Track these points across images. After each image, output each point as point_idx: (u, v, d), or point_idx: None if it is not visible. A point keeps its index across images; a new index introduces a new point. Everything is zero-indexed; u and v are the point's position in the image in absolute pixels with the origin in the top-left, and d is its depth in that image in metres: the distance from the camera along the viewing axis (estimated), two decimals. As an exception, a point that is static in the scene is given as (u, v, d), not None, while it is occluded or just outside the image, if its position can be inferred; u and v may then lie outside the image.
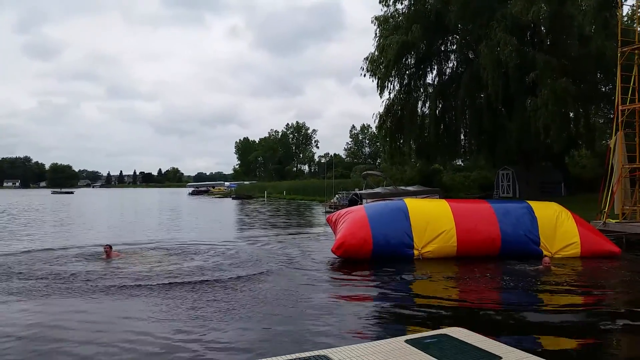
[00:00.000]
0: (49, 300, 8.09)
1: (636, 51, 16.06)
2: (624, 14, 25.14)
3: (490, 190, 36.29)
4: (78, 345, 5.86)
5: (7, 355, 5.56)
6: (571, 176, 34.13)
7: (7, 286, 8.94)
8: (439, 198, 23.79)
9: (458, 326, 3.91)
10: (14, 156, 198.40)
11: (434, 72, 34.76)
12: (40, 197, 78.41)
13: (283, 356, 3.11)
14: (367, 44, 63.16)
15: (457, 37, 32.74)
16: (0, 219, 28.79)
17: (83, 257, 12.41)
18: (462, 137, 35.43)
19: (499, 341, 3.49)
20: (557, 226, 12.29)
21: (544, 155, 30.70)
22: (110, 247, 12.38)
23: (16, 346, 5.86)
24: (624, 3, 20.78)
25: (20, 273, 10.25)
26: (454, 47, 33.94)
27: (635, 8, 18.32)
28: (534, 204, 12.97)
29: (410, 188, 32.01)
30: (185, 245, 15.11)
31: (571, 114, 28.93)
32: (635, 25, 19.69)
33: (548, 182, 31.56)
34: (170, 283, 9.16)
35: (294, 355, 3.14)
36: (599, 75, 28.18)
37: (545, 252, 11.91)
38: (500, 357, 3.06)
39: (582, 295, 8.66)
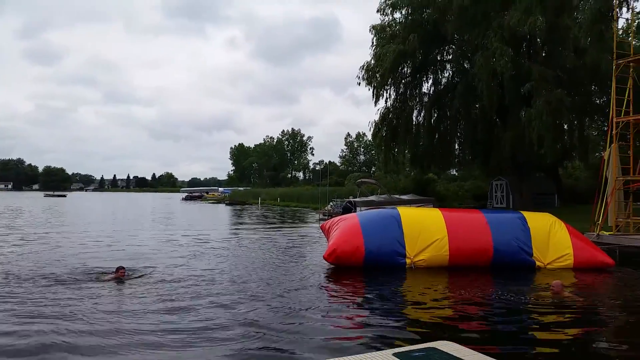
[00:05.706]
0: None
1: (631, 64, 16.07)
2: (619, 27, 25.31)
3: (484, 201, 36.31)
4: None
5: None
6: (564, 187, 34.21)
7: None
8: (433, 207, 23.71)
9: (447, 340, 3.79)
10: (7, 158, 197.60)
11: (430, 81, 34.91)
12: (34, 199, 77.60)
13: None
14: (363, 54, 63.29)
15: (454, 47, 32.86)
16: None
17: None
18: (456, 146, 35.56)
19: (488, 355, 3.37)
20: (550, 237, 12.17)
21: (537, 166, 30.77)
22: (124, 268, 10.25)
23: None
24: (620, 16, 20.96)
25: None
26: (450, 57, 34.03)
27: (630, 21, 18.34)
28: (527, 215, 12.86)
29: (404, 197, 31.92)
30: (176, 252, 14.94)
31: (565, 126, 29.01)
32: (630, 38, 19.76)
33: (541, 193, 31.63)
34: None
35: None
36: (593, 87, 28.29)
37: (538, 263, 11.83)
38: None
39: (575, 312, 8.44)
